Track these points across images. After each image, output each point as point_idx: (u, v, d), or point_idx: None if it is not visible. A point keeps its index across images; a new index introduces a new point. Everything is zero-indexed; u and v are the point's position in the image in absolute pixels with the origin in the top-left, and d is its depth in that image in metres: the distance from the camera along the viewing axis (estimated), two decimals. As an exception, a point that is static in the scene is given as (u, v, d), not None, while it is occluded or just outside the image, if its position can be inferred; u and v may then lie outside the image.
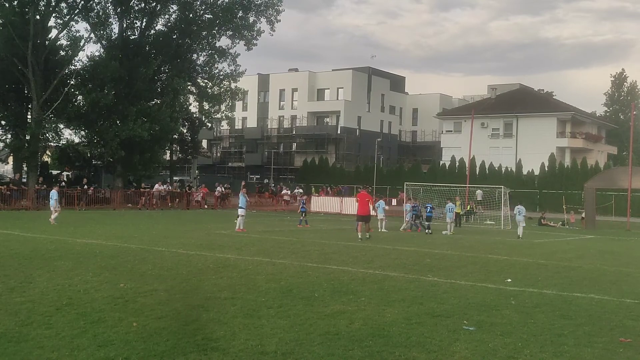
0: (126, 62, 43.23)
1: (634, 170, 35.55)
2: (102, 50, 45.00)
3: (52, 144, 44.99)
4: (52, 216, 25.53)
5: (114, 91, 42.20)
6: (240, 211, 25.03)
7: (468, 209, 38.07)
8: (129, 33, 45.72)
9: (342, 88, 78.01)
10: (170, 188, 46.25)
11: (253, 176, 76.70)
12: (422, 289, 11.77)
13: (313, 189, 57.31)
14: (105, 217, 31.08)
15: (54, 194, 26.95)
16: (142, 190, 42.76)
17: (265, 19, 48.53)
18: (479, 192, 38.68)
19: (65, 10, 42.03)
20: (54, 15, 41.47)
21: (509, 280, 13.21)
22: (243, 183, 32.50)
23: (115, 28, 44.93)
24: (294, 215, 40.52)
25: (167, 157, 59.59)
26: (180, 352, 7.07)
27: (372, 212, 25.27)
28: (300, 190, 49.83)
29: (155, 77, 46.49)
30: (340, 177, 62.48)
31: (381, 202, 29.45)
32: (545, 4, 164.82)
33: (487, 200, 39.52)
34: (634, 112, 44.40)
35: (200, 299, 10.13)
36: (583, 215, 36.12)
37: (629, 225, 34.73)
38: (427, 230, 27.53)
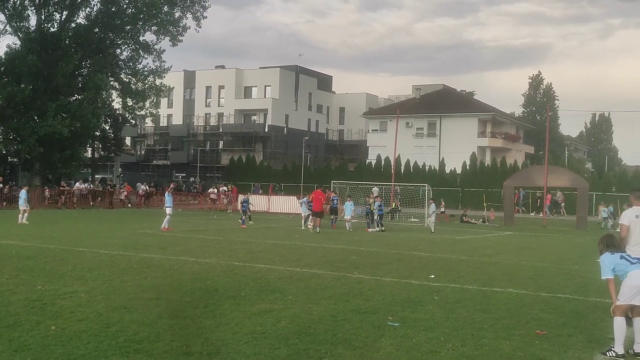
0: (45, 56, 41.67)
1: (550, 170, 37.07)
2: (19, 43, 43.18)
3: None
4: (21, 215, 25.96)
5: (31, 86, 40.56)
6: (168, 210, 24.87)
7: (393, 206, 38.72)
8: (47, 26, 44.09)
9: (270, 86, 77.77)
10: (91, 186, 44.91)
11: (179, 174, 75.41)
12: (348, 286, 11.88)
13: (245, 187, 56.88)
14: (22, 217, 29.84)
15: (23, 193, 27.03)
16: (61, 189, 41.31)
17: (191, 15, 47.91)
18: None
19: (-22, 1, 40.15)
20: (-35, 5, 39.55)
21: (432, 276, 13.50)
22: (172, 185, 31.98)
23: (33, 20, 43.25)
24: (221, 214, 40.17)
25: (89, 154, 57.86)
26: (101, 355, 6.87)
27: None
28: (225, 189, 49.30)
29: (76, 72, 45.04)
30: (267, 175, 62.26)
31: (305, 200, 29.66)
32: (468, 7, 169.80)
33: (411, 198, 40.29)
34: (550, 113, 46.30)
35: (123, 300, 9.89)
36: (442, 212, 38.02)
37: (545, 222, 36.19)
38: (381, 228, 27.89)
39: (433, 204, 29.60)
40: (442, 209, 38.31)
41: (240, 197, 33.84)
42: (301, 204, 29.61)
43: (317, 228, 26.02)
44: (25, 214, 26.18)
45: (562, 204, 45.36)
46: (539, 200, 45.85)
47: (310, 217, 28.52)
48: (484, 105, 73.12)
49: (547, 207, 45.26)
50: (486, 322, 9.10)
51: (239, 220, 29.59)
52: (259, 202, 43.58)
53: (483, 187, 49.93)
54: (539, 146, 77.00)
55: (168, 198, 25.69)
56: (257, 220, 31.61)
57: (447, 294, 11.27)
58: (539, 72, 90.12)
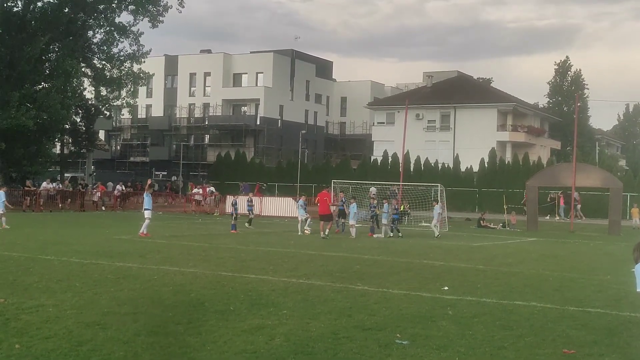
0: (7, 38, 41.67)
1: (579, 168, 37.07)
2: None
3: None
4: (2, 220, 26.41)
5: (-9, 73, 40.64)
6: (147, 213, 24.85)
7: (402, 209, 38.74)
8: (10, 4, 44.03)
9: (262, 73, 77.80)
10: (60, 186, 44.92)
11: (159, 172, 75.43)
12: (351, 299, 11.91)
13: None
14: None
15: (1, 194, 27.42)
16: (26, 189, 41.30)
17: (173, -8, 47.87)
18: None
19: None
20: None
21: (446, 288, 13.54)
22: (149, 182, 31.99)
23: (-6, -1, 43.23)
24: (206, 217, 40.19)
25: (58, 150, 57.81)
26: (72, 377, 6.88)
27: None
28: (212, 189, 49.34)
29: (43, 57, 44.98)
30: (259, 173, 62.27)
31: (301, 202, 29.82)
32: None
33: (422, 199, 40.37)
34: (578, 104, 46.28)
35: (96, 314, 9.90)
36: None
37: (573, 227, 36.22)
38: (398, 234, 28.27)
39: (437, 205, 30.01)
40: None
41: (230, 199, 33.85)
42: (298, 206, 29.73)
43: (323, 233, 26.51)
44: (3, 218, 26.54)
45: (579, 206, 45.48)
46: (550, 200, 45.98)
47: (308, 221, 28.71)
48: (504, 95, 73.16)
49: (562, 209, 45.53)
50: (507, 339, 9.12)
51: (246, 224, 30.44)
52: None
53: (503, 188, 49.98)
54: (566, 141, 77.05)
55: (147, 199, 25.63)
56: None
57: (462, 308, 11.30)
58: (567, 57, 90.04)
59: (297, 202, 30.91)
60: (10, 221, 27.08)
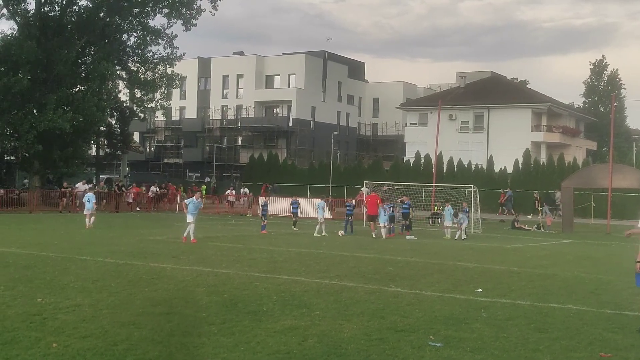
0: (45, 42, 42.33)
1: (615, 168, 36.53)
2: (16, 28, 43.94)
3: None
4: (90, 220, 27.59)
5: (30, 76, 41.23)
6: (189, 217, 23.27)
7: (435, 210, 38.59)
8: (47, 9, 44.76)
9: (294, 74, 78.00)
10: (96, 188, 45.49)
11: (192, 174, 76.04)
12: (384, 300, 11.89)
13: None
14: (20, 222, 30.39)
15: (92, 197, 28.84)
16: (63, 190, 41.92)
17: (206, -5, 48.19)
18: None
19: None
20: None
21: (480, 290, 13.45)
22: (195, 188, 32.16)
23: (32, 3, 43.96)
24: (239, 218, 40.42)
25: (93, 152, 58.59)
26: (107, 376, 6.97)
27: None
28: (246, 190, 49.60)
29: (79, 60, 45.66)
30: (292, 174, 62.43)
31: (321, 203, 29.80)
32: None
33: (455, 201, 40.09)
34: (615, 104, 45.57)
35: (131, 314, 10.02)
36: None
37: (609, 229, 35.69)
38: (464, 235, 28.49)
39: (466, 207, 30.22)
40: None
41: (261, 200, 33.94)
42: (317, 207, 29.45)
43: (373, 233, 28.00)
44: (92, 218, 27.67)
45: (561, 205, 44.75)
46: (536, 201, 45.12)
47: (323, 224, 28.73)
48: (539, 95, 72.39)
49: (545, 208, 44.88)
50: (542, 342, 9.03)
51: (295, 226, 30.61)
52: (278, 205, 43.57)
53: (538, 189, 49.44)
54: (602, 142, 75.99)
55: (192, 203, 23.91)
56: (279, 226, 31.75)
57: (496, 311, 11.21)
58: (603, 56, 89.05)
59: (318, 203, 30.39)
60: (46, 222, 27.52)
